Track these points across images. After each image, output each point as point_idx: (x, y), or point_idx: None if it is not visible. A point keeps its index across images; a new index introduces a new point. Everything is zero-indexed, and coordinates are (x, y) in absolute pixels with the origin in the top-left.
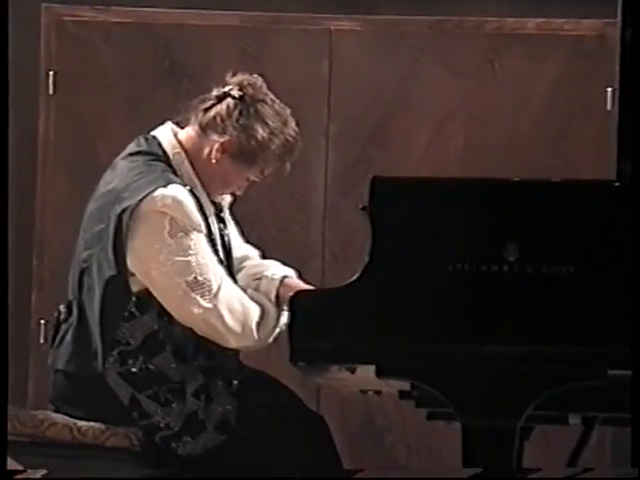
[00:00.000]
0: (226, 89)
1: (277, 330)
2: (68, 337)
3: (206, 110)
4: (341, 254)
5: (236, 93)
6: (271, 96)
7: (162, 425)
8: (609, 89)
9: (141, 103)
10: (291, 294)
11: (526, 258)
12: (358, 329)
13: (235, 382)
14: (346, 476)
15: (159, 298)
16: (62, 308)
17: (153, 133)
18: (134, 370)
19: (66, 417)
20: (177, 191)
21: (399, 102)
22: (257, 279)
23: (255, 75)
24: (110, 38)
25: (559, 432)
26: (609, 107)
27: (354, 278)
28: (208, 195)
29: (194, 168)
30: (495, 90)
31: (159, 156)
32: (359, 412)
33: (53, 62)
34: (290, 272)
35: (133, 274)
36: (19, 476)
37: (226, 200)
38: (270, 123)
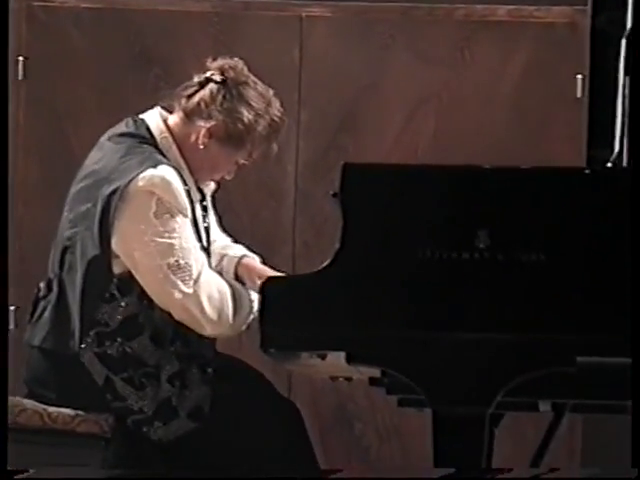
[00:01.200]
0: (208, 74)
1: (251, 317)
2: (46, 314)
3: (189, 97)
4: (312, 241)
5: (218, 77)
6: (253, 78)
7: (135, 409)
8: (579, 76)
9: (112, 89)
10: (246, 276)
11: (497, 245)
12: (328, 316)
13: (210, 370)
14: (323, 475)
15: (140, 280)
16: (42, 285)
17: (142, 116)
18: (110, 352)
19: (36, 403)
20: (166, 172)
21: (370, 89)
22: (221, 259)
23: (236, 58)
24: (80, 24)
25: (534, 425)
26: (579, 94)
27: (325, 265)
28: (195, 182)
29: (182, 154)
30: (466, 77)
31: (147, 139)
32: (330, 399)
33: (23, 48)
34: (251, 255)
35: (117, 256)
36: (20, 476)
37: (209, 188)
38: (254, 105)
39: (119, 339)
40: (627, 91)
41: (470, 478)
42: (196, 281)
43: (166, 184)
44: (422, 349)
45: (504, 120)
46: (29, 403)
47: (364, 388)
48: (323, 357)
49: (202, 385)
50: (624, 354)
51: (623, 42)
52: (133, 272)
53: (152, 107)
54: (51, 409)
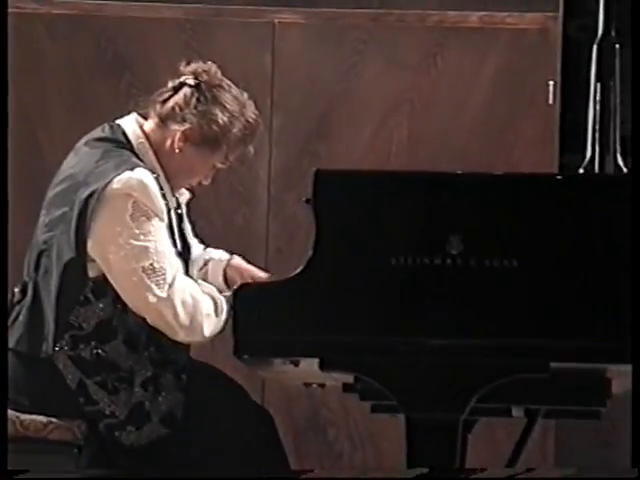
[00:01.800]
0: (181, 79)
1: (222, 324)
2: (21, 317)
3: (164, 102)
4: (285, 247)
5: (192, 81)
6: (227, 81)
7: (107, 413)
8: (551, 82)
9: (83, 95)
10: (237, 276)
11: (469, 251)
12: (301, 322)
13: (183, 376)
14: (295, 475)
15: (114, 284)
16: (16, 290)
17: (118, 122)
18: (84, 355)
19: (9, 410)
20: (143, 174)
21: (342, 95)
22: (205, 264)
23: (209, 62)
24: (52, 30)
25: (506, 429)
26: (551, 101)
27: (298, 271)
28: (171, 189)
29: (158, 159)
30: (438, 83)
31: (123, 144)
32: (303, 405)
33: None
34: (236, 256)
35: (93, 260)
36: (20, 476)
37: (184, 197)
38: (229, 107)
39: (93, 342)
40: (598, 97)
41: (444, 478)
42: (170, 285)
43: (143, 187)
44: (395, 355)
45: (476, 126)
46: None
47: (337, 394)
48: (296, 363)
49: (175, 391)
50: (597, 359)
51: (594, 49)
52: (107, 276)
53: (128, 113)
54: (23, 416)
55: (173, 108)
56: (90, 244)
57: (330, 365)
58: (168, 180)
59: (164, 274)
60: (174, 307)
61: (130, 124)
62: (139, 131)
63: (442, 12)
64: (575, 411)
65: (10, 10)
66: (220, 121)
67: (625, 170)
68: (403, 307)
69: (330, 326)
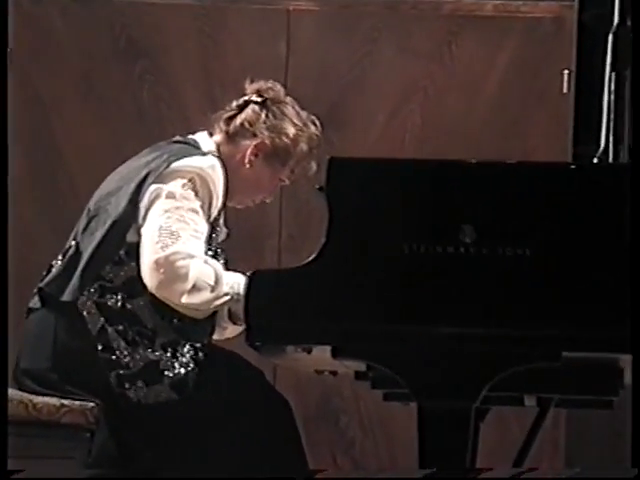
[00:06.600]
0: (246, 97)
1: (212, 298)
2: (58, 265)
3: (229, 119)
4: (298, 234)
5: (258, 98)
6: (290, 99)
7: (122, 362)
8: (565, 72)
9: (97, 81)
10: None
11: (482, 240)
12: (314, 309)
13: (201, 354)
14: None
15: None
16: (55, 262)
17: (190, 136)
18: (110, 304)
19: (22, 393)
20: (215, 161)
21: (356, 83)
22: None
23: (271, 80)
24: (66, 15)
25: (518, 419)
26: (565, 90)
27: (311, 258)
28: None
29: (225, 172)
30: (452, 72)
31: (194, 147)
32: (315, 392)
33: (9, 39)
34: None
35: (140, 225)
36: (19, 475)
37: (222, 234)
38: (296, 121)
39: (120, 294)
40: (613, 87)
41: (451, 478)
42: (175, 253)
43: (211, 169)
44: (407, 343)
45: (490, 114)
46: (15, 394)
47: (349, 382)
48: (309, 351)
49: (192, 362)
50: (609, 349)
51: (610, 38)
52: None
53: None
54: (36, 399)
55: (242, 125)
56: (142, 213)
57: (342, 353)
58: (226, 194)
59: (175, 240)
60: (162, 277)
61: (202, 136)
62: (211, 141)
63: (456, 0)
64: (587, 400)
65: None
66: (290, 134)
67: None
68: (416, 295)
69: (343, 314)
